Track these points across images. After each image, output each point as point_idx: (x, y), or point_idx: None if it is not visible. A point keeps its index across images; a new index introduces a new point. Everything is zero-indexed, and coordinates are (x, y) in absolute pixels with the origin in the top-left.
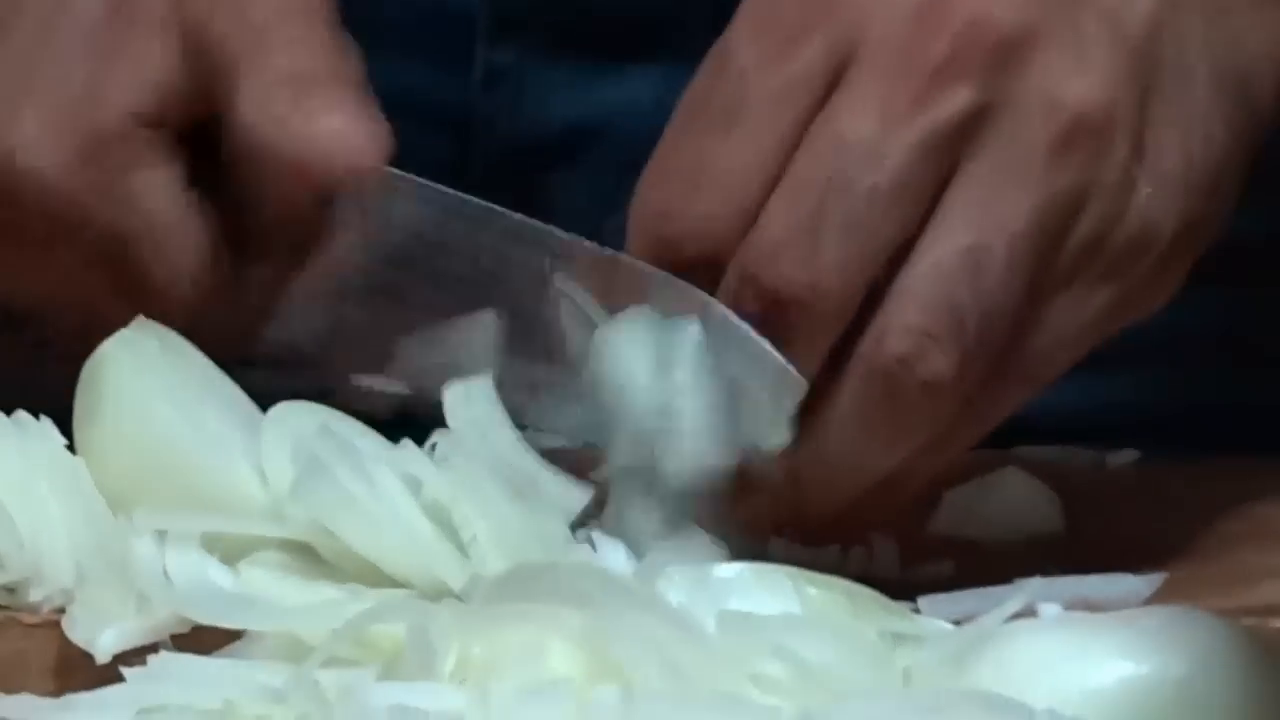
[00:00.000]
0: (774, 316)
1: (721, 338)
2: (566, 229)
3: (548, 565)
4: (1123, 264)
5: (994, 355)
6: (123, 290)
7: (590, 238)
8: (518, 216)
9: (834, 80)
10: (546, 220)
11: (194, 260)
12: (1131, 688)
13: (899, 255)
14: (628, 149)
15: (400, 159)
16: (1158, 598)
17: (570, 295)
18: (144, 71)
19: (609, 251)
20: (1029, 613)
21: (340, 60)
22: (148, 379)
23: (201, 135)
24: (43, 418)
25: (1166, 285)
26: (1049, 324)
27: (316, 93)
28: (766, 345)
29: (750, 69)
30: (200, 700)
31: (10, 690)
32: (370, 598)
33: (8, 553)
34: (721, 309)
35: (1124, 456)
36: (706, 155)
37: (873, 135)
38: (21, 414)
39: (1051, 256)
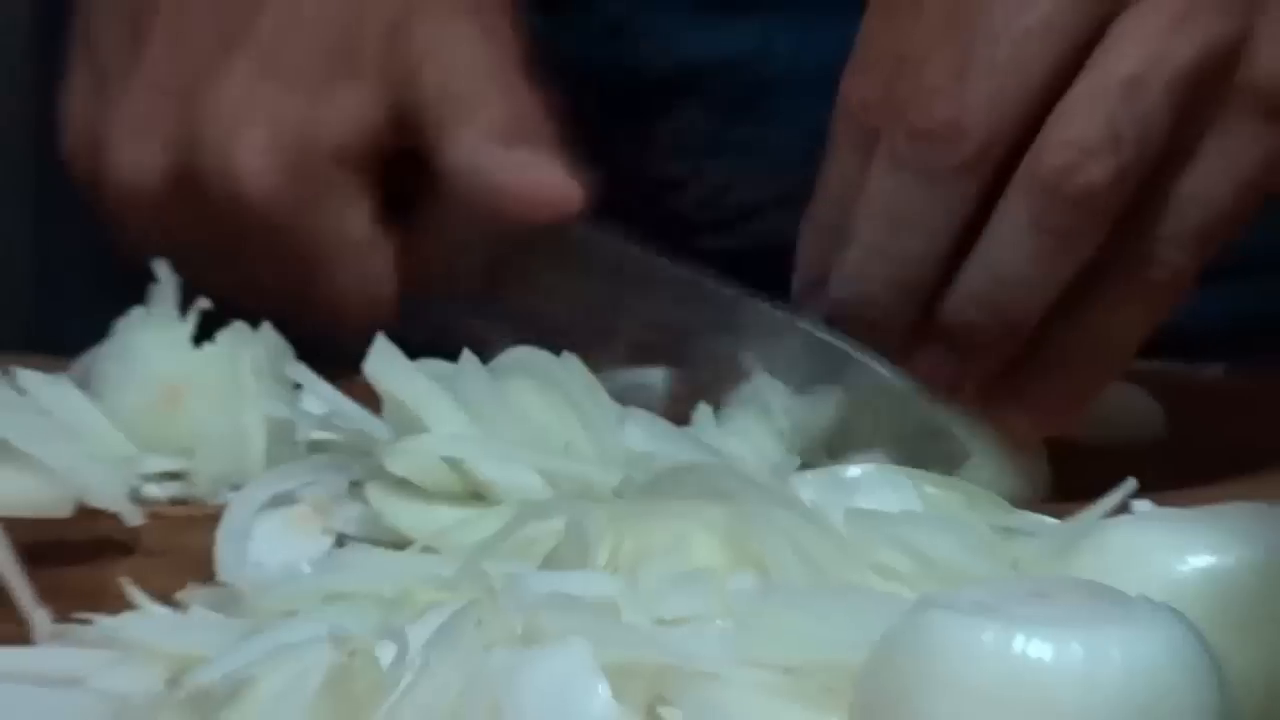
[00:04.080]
0: (922, 155)
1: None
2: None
3: (692, 466)
4: None
5: (1148, 173)
6: (311, 301)
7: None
8: (691, 275)
9: None
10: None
11: (374, 283)
12: (1215, 576)
13: (1053, 98)
14: (726, 91)
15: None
16: (1247, 493)
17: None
18: (353, 115)
19: (773, 308)
20: (1125, 509)
21: (541, 117)
22: None
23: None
24: (264, 325)
25: None
26: (1208, 160)
27: (522, 147)
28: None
29: None
30: (380, 589)
31: (205, 580)
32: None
33: (207, 453)
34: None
35: (1213, 369)
36: (897, 46)
37: None
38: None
39: (1209, 94)
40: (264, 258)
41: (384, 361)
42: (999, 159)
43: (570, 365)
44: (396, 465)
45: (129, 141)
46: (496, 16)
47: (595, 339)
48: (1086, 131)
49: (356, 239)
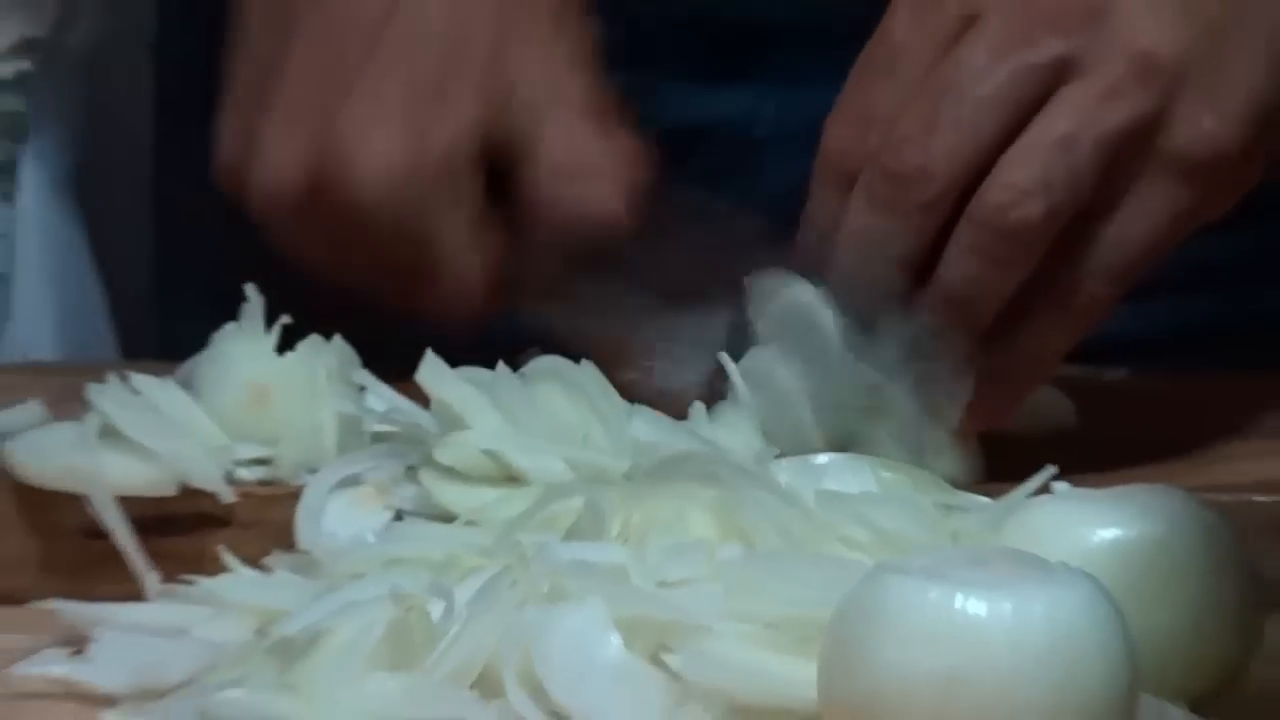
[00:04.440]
0: (892, 195)
1: None
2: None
3: (689, 454)
4: (1195, 172)
5: (1075, 215)
6: (418, 289)
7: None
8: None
9: (962, 35)
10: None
11: (479, 273)
12: (1121, 546)
13: (1001, 150)
14: (723, 146)
15: None
16: (1149, 476)
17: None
18: (458, 128)
19: None
20: (1046, 490)
21: (617, 119)
22: None
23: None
24: (336, 338)
25: (1225, 200)
26: (1129, 210)
27: (602, 151)
28: None
29: (902, 33)
30: (430, 555)
31: (288, 548)
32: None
33: (289, 442)
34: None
35: (1116, 373)
36: (874, 105)
37: (984, 62)
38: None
39: (1132, 156)
40: (381, 254)
41: (433, 370)
42: (956, 199)
43: (589, 371)
44: (444, 455)
45: (271, 156)
46: (575, 43)
47: (642, 334)
48: (1024, 176)
49: (461, 236)
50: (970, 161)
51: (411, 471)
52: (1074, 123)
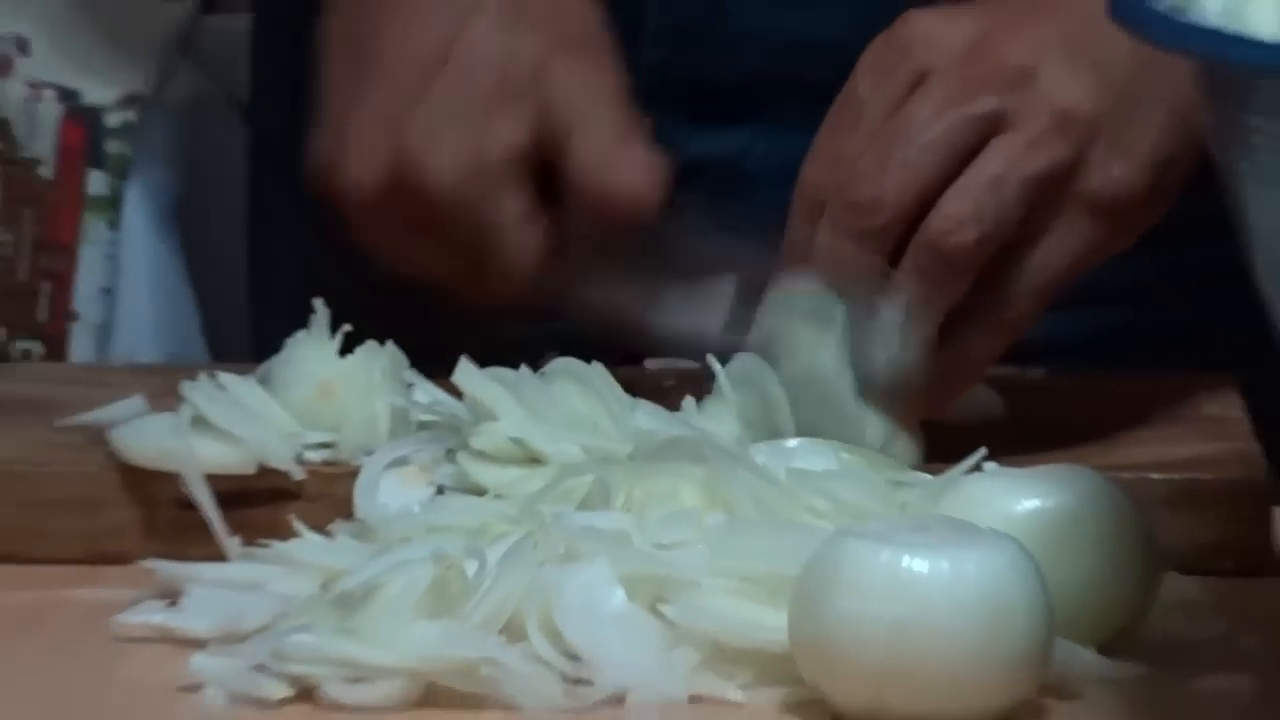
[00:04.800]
0: (852, 221)
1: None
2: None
3: (682, 439)
4: (1105, 211)
5: (1003, 243)
6: (477, 273)
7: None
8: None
9: (912, 93)
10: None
11: (529, 257)
12: (1041, 515)
13: (943, 188)
14: (719, 180)
15: None
16: (1063, 457)
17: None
18: (510, 132)
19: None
20: (978, 469)
21: (638, 129)
22: None
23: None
24: (388, 343)
25: (1131, 234)
26: (1050, 240)
27: (626, 152)
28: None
29: (865, 91)
30: (466, 523)
31: (347, 517)
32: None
33: (349, 429)
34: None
35: (1036, 371)
36: (841, 148)
37: (929, 115)
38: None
39: (1053, 195)
40: (448, 243)
41: (467, 371)
42: (905, 229)
43: (599, 371)
44: (478, 441)
45: (356, 162)
46: (607, 61)
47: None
48: (959, 208)
49: (515, 223)
50: (916, 195)
51: (450, 454)
52: (1003, 166)
